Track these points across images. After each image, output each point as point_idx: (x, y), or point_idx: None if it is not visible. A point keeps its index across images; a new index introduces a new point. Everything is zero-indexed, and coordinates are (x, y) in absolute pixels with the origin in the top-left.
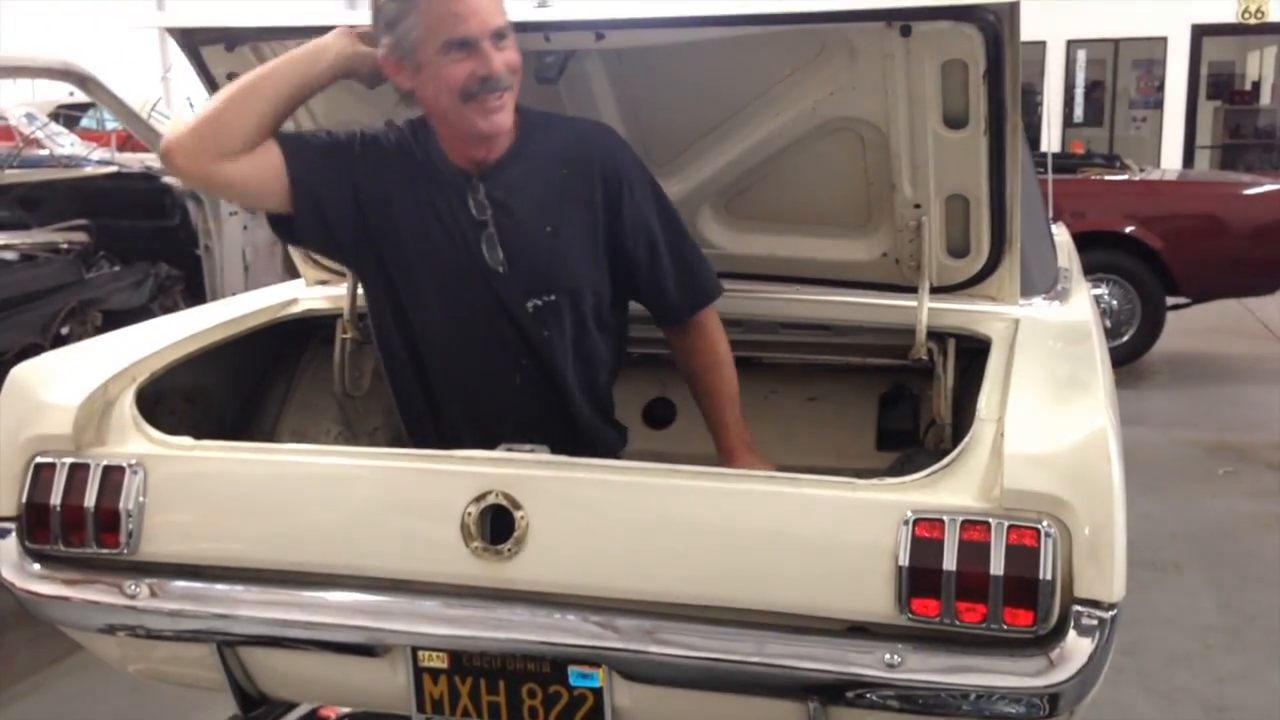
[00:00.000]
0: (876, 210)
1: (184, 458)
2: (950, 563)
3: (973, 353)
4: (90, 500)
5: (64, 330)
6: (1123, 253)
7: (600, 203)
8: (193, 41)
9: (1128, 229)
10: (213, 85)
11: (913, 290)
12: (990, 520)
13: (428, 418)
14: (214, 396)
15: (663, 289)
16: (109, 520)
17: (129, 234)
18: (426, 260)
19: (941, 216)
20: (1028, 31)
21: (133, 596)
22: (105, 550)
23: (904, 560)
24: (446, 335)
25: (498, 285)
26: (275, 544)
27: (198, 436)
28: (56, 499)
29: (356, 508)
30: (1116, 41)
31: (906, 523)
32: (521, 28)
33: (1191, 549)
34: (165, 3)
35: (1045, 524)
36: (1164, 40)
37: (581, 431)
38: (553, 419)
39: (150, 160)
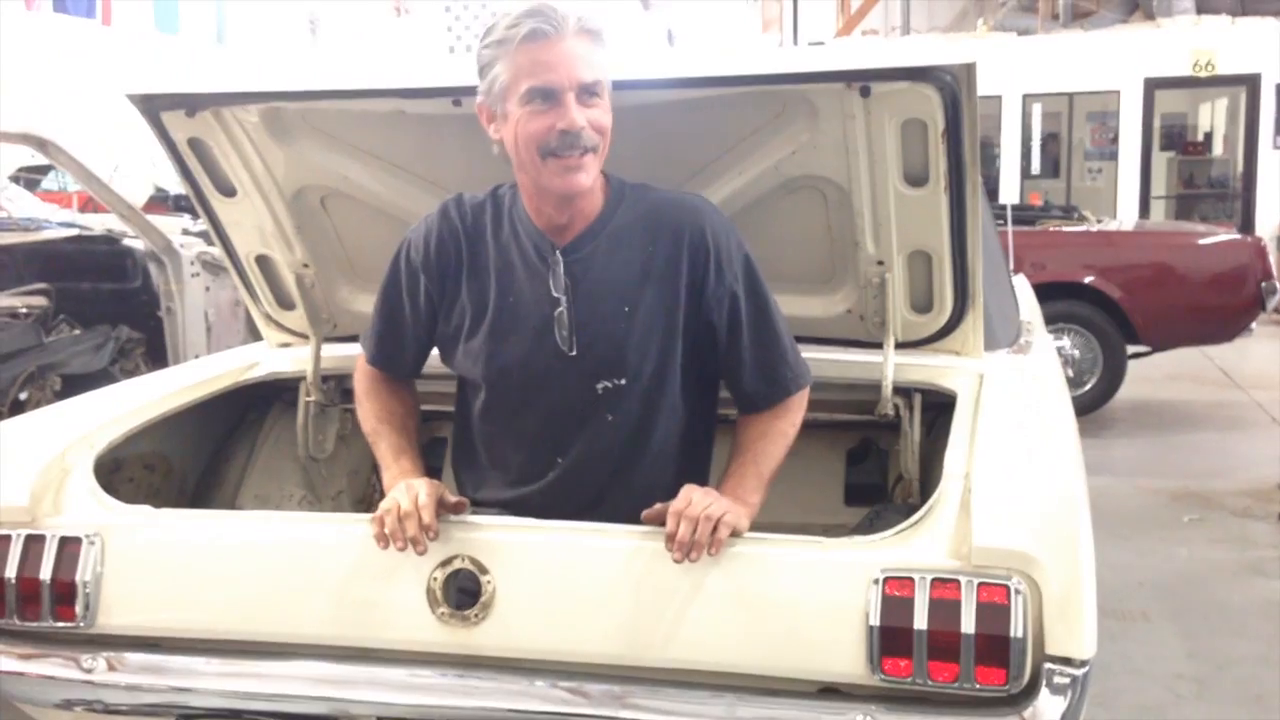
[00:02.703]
0: (840, 267)
1: (142, 527)
2: (921, 622)
3: (939, 407)
4: (46, 573)
5: (22, 395)
6: (1083, 303)
7: (685, 279)
8: (153, 108)
9: (1087, 279)
10: (173, 150)
11: (878, 346)
12: (960, 578)
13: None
14: (175, 463)
15: (738, 375)
16: (65, 593)
17: (90, 297)
18: (500, 325)
19: (904, 273)
20: (984, 86)
21: (90, 670)
22: (61, 624)
23: (875, 620)
24: (506, 398)
25: (565, 365)
26: (236, 614)
27: (158, 504)
28: (11, 572)
29: (319, 575)
30: (1071, 95)
31: (877, 581)
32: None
33: (1159, 598)
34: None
35: (1015, 581)
36: (1117, 93)
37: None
38: (589, 504)
39: (112, 222)
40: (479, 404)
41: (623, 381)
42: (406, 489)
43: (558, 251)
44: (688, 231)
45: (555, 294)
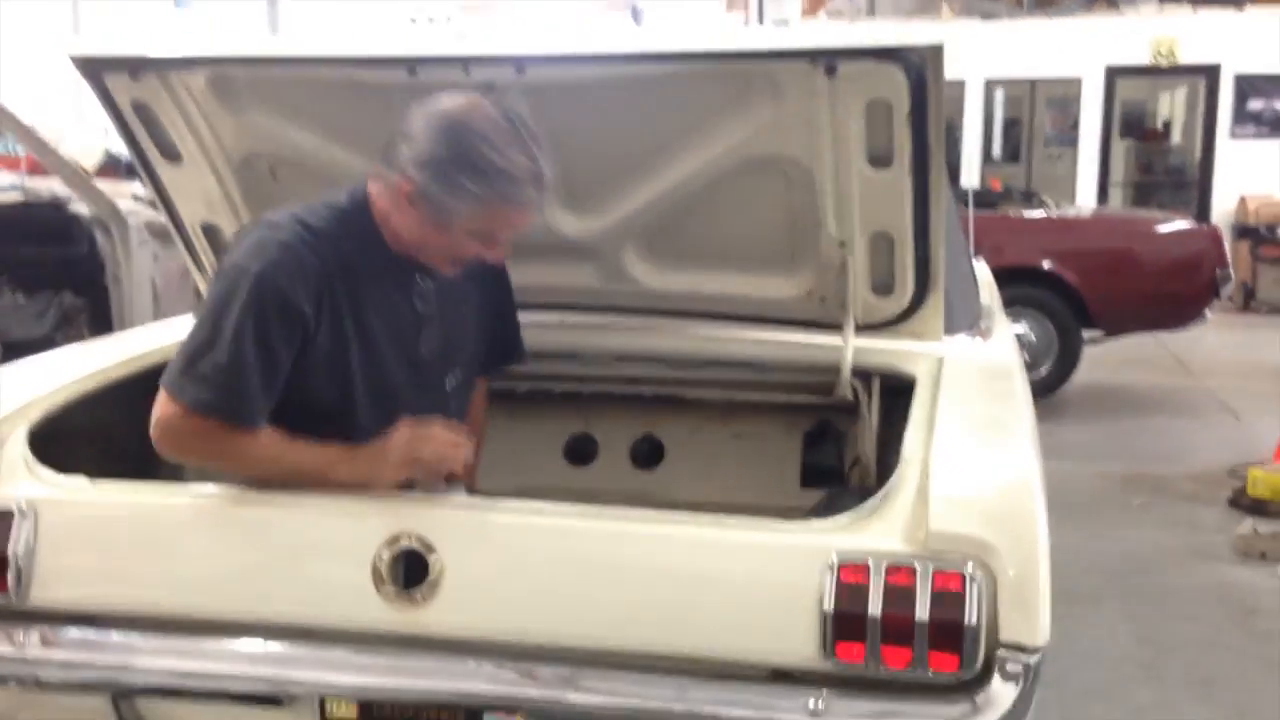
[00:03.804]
0: (801, 248)
1: (77, 500)
2: (875, 607)
3: (897, 390)
4: None
5: None
6: (1040, 287)
7: (491, 274)
8: (96, 70)
9: (1045, 264)
10: (116, 113)
11: (837, 328)
12: (915, 564)
13: None
14: (116, 434)
15: (485, 344)
16: None
17: (34, 262)
18: (363, 349)
19: (866, 255)
20: (947, 70)
21: (21, 646)
22: None
23: (828, 605)
24: (376, 414)
25: (426, 370)
26: (175, 590)
27: (98, 476)
28: None
29: (261, 551)
30: (1033, 81)
31: (831, 566)
32: (440, 61)
33: (1108, 581)
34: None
35: (970, 567)
36: (1079, 81)
37: None
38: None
39: (58, 187)
40: (337, 423)
41: (460, 375)
42: (401, 431)
43: (420, 275)
44: None
45: (423, 311)
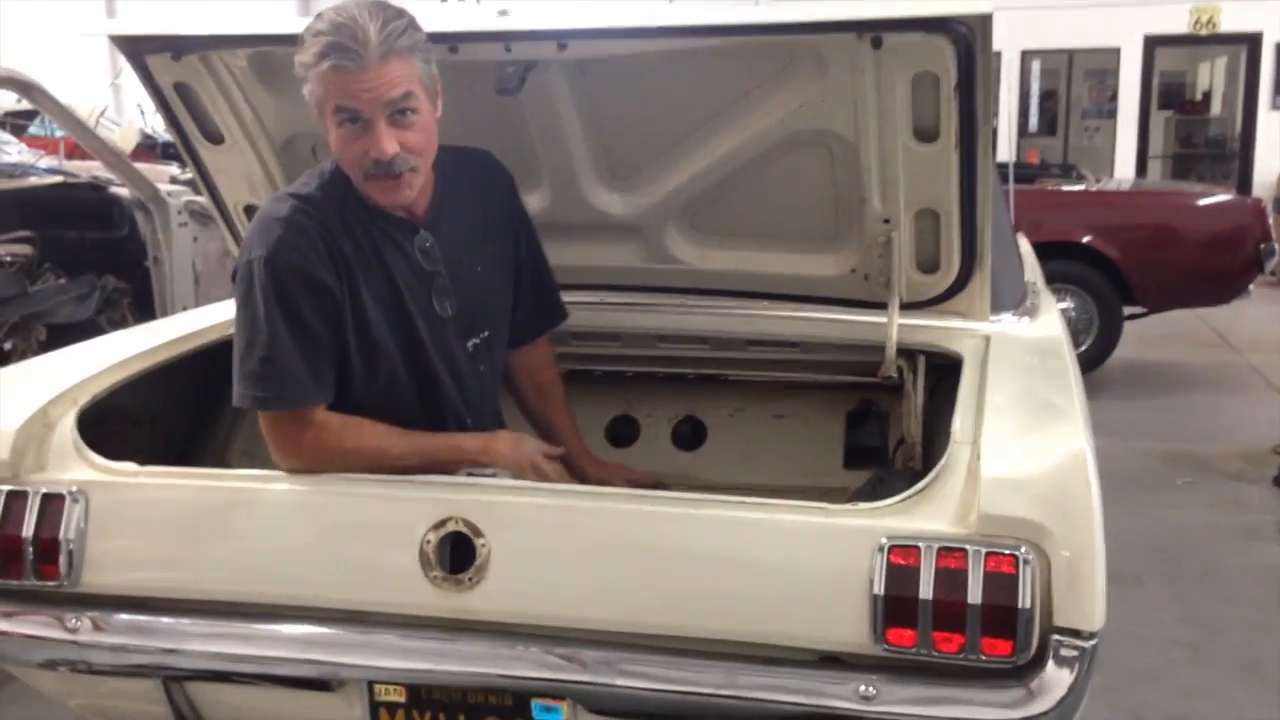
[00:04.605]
0: (845, 225)
1: (127, 484)
2: (926, 591)
3: (942, 370)
4: (29, 530)
5: (6, 345)
6: (1080, 263)
7: (510, 232)
8: (138, 50)
9: (1085, 239)
10: (158, 94)
11: (882, 306)
12: (967, 547)
13: None
14: (161, 418)
15: (521, 305)
16: (48, 550)
17: (75, 245)
18: (385, 317)
19: (911, 231)
20: None
21: (74, 630)
22: (45, 582)
23: (879, 588)
24: (400, 380)
25: (443, 331)
26: (224, 574)
27: (145, 460)
28: None
29: (310, 535)
30: (1071, 52)
31: (881, 549)
32: (481, 37)
33: (1152, 561)
34: (117, 7)
35: (1023, 550)
36: (1117, 51)
37: None
38: None
39: (97, 169)
40: (366, 394)
41: (486, 334)
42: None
43: (421, 231)
44: (504, 187)
45: (430, 268)
